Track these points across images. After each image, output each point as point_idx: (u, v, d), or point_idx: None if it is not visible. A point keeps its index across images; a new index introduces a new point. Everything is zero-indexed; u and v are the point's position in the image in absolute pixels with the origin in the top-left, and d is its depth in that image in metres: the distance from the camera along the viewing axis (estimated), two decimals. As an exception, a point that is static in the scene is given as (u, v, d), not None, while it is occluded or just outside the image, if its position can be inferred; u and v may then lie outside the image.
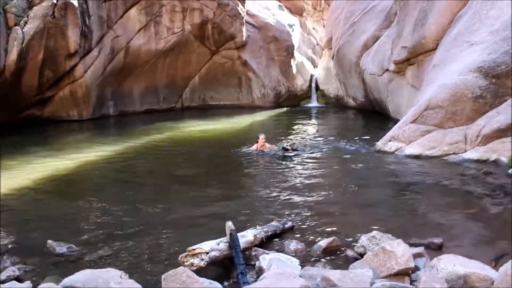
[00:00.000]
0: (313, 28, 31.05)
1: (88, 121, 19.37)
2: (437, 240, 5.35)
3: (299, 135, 15.20)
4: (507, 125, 9.66)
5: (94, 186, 9.34)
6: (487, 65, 10.46)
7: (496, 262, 4.75)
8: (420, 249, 4.83)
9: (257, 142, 11.39)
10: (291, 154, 10.69)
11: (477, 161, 9.69)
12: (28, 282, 4.13)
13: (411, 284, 4.09)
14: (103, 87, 20.17)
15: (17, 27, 16.75)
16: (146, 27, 21.14)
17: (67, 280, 4.04)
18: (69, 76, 18.85)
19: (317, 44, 30.30)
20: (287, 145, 10.94)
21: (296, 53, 26.23)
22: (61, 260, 5.18)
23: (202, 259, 4.56)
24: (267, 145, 11.51)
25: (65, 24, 17.83)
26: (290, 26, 26.57)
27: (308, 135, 15.13)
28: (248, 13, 24.55)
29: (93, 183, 9.58)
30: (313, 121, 19.80)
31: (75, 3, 17.85)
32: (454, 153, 10.18)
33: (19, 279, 4.49)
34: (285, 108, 23.63)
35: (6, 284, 4.07)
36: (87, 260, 5.16)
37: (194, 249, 4.61)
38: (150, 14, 21.10)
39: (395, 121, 13.42)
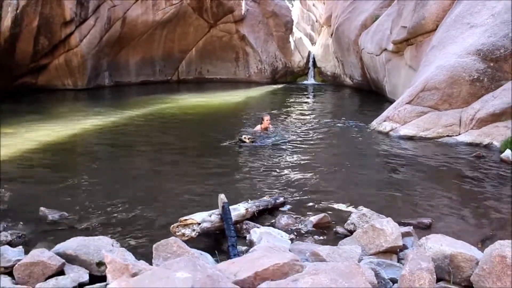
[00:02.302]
0: (313, 5, 30.73)
1: (83, 91, 19.27)
2: (426, 220, 5.43)
3: (294, 112, 15.18)
4: (502, 109, 9.69)
5: (88, 155, 9.34)
6: (486, 48, 10.43)
7: (482, 243, 4.83)
8: (409, 228, 4.89)
9: (261, 122, 10.97)
10: (248, 145, 9.74)
11: (470, 144, 9.74)
12: (21, 247, 4.16)
13: (398, 262, 4.16)
14: (98, 57, 19.99)
15: (12, -8, 16.49)
16: (144, -3, 20.87)
17: (59, 246, 4.07)
18: (65, 45, 18.68)
19: (316, 21, 30.05)
20: (244, 137, 10.00)
21: (294, 29, 26.05)
22: (53, 227, 5.21)
23: (194, 230, 4.60)
24: (271, 127, 11.12)
25: (61, -10, 17.55)
26: (290, 1, 26.31)
27: (303, 112, 15.12)
28: (248, -13, 24.27)
29: (87, 153, 9.59)
30: (309, 98, 19.77)
31: (72, -30, 17.56)
32: (448, 136, 10.22)
33: (11, 244, 4.52)
34: (282, 85, 23.55)
35: (-1, 249, 4.10)
36: (79, 228, 5.20)
37: (186, 220, 4.65)
38: (149, -16, 20.81)
39: (391, 101, 13.43)
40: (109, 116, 13.21)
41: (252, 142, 9.87)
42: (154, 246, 3.98)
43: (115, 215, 5.61)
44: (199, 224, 4.65)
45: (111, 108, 14.97)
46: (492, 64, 10.31)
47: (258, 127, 11.03)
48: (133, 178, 7.31)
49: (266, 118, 11.02)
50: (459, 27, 11.63)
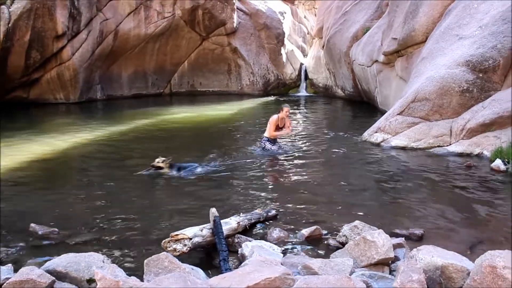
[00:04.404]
0: (304, 17, 31.01)
1: (75, 104, 19.25)
2: (418, 231, 5.43)
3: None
4: (491, 119, 9.77)
5: (79, 170, 9.30)
6: (475, 59, 10.54)
7: (471, 251, 4.86)
8: (400, 240, 4.90)
9: (279, 112, 10.26)
10: (172, 173, 8.18)
11: (461, 154, 9.80)
12: (10, 265, 4.12)
13: (390, 273, 4.16)
14: (91, 71, 20.02)
15: (3, 6, 16.52)
16: (136, 10, 20.98)
17: (49, 264, 4.03)
18: (57, 58, 18.70)
19: (307, 33, 30.30)
20: (158, 162, 8.17)
21: (286, 41, 26.22)
22: (43, 244, 5.16)
23: (185, 245, 4.58)
24: (288, 122, 10.41)
25: (53, 4, 17.63)
26: (281, 13, 26.53)
27: (295, 125, 15.16)
28: (239, 0, 24.44)
29: (78, 167, 9.55)
30: (301, 110, 19.83)
31: (64, -16, 17.62)
32: (439, 146, 10.28)
33: (0, 262, 4.48)
34: (274, 97, 23.64)
35: (-13, 266, 4.06)
36: (69, 244, 5.15)
37: (177, 235, 4.63)
38: (141, -3, 20.93)
39: (383, 112, 13.50)
40: (101, 130, 13.18)
41: (171, 167, 8.17)
42: (145, 261, 3.96)
43: (107, 230, 5.57)
44: (191, 239, 4.62)
45: (103, 121, 14.96)
46: (481, 75, 10.42)
47: (275, 117, 10.21)
48: (125, 192, 7.28)
49: (286, 109, 10.18)
50: (448, 39, 11.76)
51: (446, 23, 12.31)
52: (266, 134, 10.37)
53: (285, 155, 10.04)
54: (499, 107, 9.84)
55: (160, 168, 8.15)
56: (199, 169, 8.54)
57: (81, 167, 9.50)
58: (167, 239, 4.66)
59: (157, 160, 8.18)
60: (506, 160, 8.61)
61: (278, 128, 10.37)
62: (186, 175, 8.21)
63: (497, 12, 11.00)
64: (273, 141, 10.36)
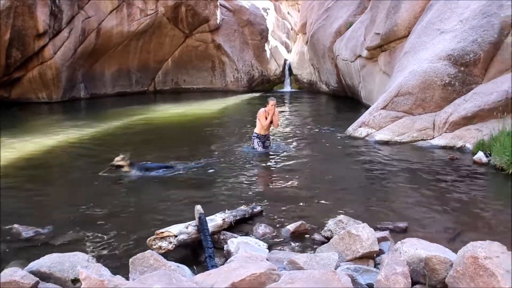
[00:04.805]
0: (288, 13, 31.01)
1: (58, 103, 19.04)
2: (402, 224, 5.49)
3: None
4: (473, 112, 9.90)
5: (63, 170, 9.20)
6: (456, 53, 10.66)
7: (454, 242, 4.93)
8: (385, 233, 4.95)
9: (266, 106, 9.96)
10: (133, 173, 7.87)
11: (444, 147, 9.92)
12: (-7, 266, 4.07)
13: (375, 267, 4.20)
14: (73, 69, 19.80)
15: (-18, 5, 16.23)
16: (118, 8, 20.79)
17: (33, 264, 3.99)
18: (38, 57, 18.46)
19: (291, 29, 30.30)
20: (117, 160, 7.74)
21: (270, 38, 26.21)
22: (27, 245, 5.11)
23: (171, 242, 4.57)
24: (276, 112, 9.99)
25: (34, 2, 17.38)
26: (265, 10, 26.49)
27: (280, 120, 15.18)
28: (222, -4, 24.40)
29: (62, 167, 9.44)
30: (286, 106, 19.86)
31: (44, -18, 17.37)
32: (422, 139, 10.39)
33: (-17, 264, 4.43)
34: (258, 93, 23.63)
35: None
36: (53, 244, 5.10)
37: (163, 232, 4.61)
38: (123, -6, 20.73)
39: (367, 107, 13.59)
40: (84, 129, 13.05)
41: (131, 165, 7.75)
42: (130, 260, 3.94)
43: (92, 229, 5.53)
44: (176, 236, 4.62)
45: (86, 120, 14.82)
46: (462, 69, 10.54)
47: (262, 110, 9.93)
48: (110, 192, 7.22)
49: (272, 102, 9.83)
50: (430, 33, 11.87)
51: (427, 18, 12.42)
52: (256, 130, 10.06)
53: (269, 151, 10.04)
54: (480, 100, 9.97)
55: (121, 166, 7.81)
56: (171, 171, 8.25)
57: (65, 167, 9.40)
58: (152, 237, 4.64)
59: (116, 158, 7.77)
60: (488, 152, 8.73)
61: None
62: (151, 175, 7.94)
63: (477, 6, 11.14)
64: (263, 138, 10.02)
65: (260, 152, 9.88)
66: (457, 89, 10.54)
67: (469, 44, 10.60)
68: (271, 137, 10.58)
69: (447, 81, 10.57)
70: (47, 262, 4.00)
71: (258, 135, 10.01)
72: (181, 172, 8.33)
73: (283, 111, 17.45)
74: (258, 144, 9.98)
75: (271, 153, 9.94)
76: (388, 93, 11.36)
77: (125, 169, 7.85)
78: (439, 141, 10.15)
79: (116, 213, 6.15)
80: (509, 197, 6.63)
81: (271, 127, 10.30)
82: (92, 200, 6.70)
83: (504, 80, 10.01)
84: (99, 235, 5.36)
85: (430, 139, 10.34)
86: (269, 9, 27.34)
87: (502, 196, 6.93)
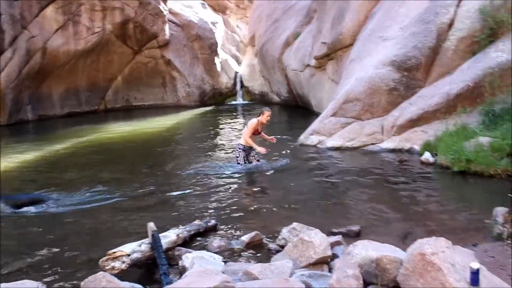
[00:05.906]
0: (237, 26, 31.19)
1: (4, 127, 18.31)
2: (355, 228, 5.60)
3: (222, 134, 15.29)
4: (418, 115, 10.27)
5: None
6: (399, 59, 11.04)
7: (404, 241, 5.07)
8: (338, 237, 5.04)
9: (259, 116, 9.50)
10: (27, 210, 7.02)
11: (393, 150, 10.22)
12: None
13: (329, 271, 4.26)
14: (19, 91, 19.14)
15: None
16: (64, 26, 20.27)
17: (-23, 297, 3.82)
18: (-20, 80, 17.72)
19: (240, 42, 30.47)
20: None
21: (220, 51, 26.27)
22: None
23: (124, 262, 4.47)
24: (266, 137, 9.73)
25: (-28, 24, 16.72)
26: (214, 24, 26.55)
27: (231, 133, 15.23)
28: (170, 12, 24.30)
29: (8, 191, 9.06)
30: (238, 118, 19.91)
31: (-18, 2, 16.78)
32: (372, 144, 10.66)
33: None
34: (211, 107, 23.60)
35: None
36: (1, 273, 4.89)
37: (115, 252, 4.51)
38: (68, 13, 20.23)
39: (318, 115, 13.80)
40: (31, 152, 12.61)
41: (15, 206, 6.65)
42: (82, 283, 3.84)
43: (40, 255, 5.33)
44: (129, 255, 4.52)
45: (33, 143, 14.31)
46: (406, 74, 10.92)
47: (254, 121, 9.42)
48: (58, 214, 6.99)
49: (267, 113, 9.41)
50: (374, 41, 12.25)
51: (370, 26, 12.83)
52: (241, 141, 9.48)
53: (221, 163, 9.94)
54: (424, 103, 10.36)
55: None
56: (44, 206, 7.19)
57: (11, 192, 9.03)
58: (104, 258, 4.53)
59: None
60: (434, 152, 9.07)
61: (256, 132, 9.55)
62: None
63: (416, 14, 11.61)
64: (248, 150, 9.46)
65: (239, 169, 9.26)
66: (402, 93, 10.90)
67: (410, 50, 11.00)
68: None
69: (392, 86, 10.91)
70: (-8, 293, 3.83)
71: (244, 147, 9.41)
72: (54, 206, 7.34)
73: (235, 123, 17.50)
74: (240, 159, 9.38)
75: (221, 165, 9.80)
76: (337, 100, 11.60)
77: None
78: (388, 144, 10.43)
79: (67, 235, 5.95)
80: (456, 193, 6.90)
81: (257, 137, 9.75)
82: (40, 224, 6.46)
83: (444, 83, 10.45)
84: (49, 260, 5.18)
85: (380, 143, 10.62)
86: (217, 22, 27.43)
87: (450, 193, 7.21)
